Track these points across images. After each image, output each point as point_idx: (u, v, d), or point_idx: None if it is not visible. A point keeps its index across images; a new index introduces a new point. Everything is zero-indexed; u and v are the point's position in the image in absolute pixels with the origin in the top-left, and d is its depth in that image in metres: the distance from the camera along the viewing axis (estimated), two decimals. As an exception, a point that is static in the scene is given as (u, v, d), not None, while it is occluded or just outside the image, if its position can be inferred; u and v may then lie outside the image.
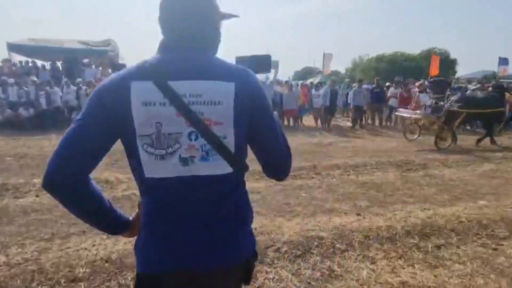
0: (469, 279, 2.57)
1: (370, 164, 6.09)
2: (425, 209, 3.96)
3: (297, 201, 4.21)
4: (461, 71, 56.26)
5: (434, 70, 18.57)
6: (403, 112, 9.37)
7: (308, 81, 19.87)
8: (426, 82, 13.17)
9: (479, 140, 8.31)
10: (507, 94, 9.45)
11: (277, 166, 1.14)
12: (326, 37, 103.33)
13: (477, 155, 7.13)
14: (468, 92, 10.13)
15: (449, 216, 3.64)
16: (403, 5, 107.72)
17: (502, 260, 2.84)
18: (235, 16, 1.18)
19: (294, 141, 8.73)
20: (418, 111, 8.83)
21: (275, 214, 3.80)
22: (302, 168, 5.72)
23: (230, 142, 0.96)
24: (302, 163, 6.12)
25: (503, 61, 23.51)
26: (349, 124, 12.30)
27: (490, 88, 9.60)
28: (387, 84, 13.46)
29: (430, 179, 5.24)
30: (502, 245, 3.09)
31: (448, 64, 50.95)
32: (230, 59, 1.12)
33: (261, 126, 1.03)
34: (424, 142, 8.42)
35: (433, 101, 9.01)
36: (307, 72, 44.60)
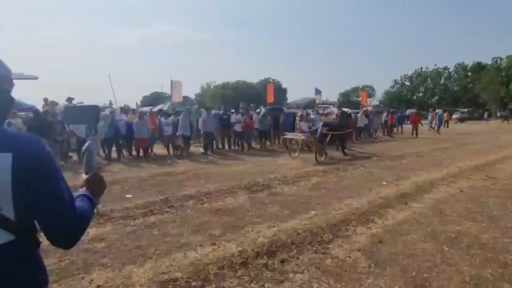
0: (307, 286, 2.94)
1: (222, 189, 6.33)
2: (270, 226, 4.37)
3: (149, 241, 3.88)
4: (291, 97, 67.99)
5: (270, 97, 21.57)
6: (290, 136, 11.64)
7: (157, 108, 19.36)
8: (263, 109, 15.00)
9: (344, 153, 11.43)
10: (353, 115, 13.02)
11: (61, 233, 1.09)
12: (175, 63, 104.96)
13: (307, 170, 8.54)
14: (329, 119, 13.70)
15: (289, 231, 4.13)
16: (243, 38, 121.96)
17: (329, 262, 3.39)
18: (34, 78, 1.12)
19: (145, 171, 8.25)
20: (301, 135, 11.26)
21: (124, 262, 3.37)
22: (154, 203, 5.38)
23: (8, 212, 0.96)
24: (154, 197, 5.78)
25: (318, 91, 29.84)
26: (202, 150, 12.60)
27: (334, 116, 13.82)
28: (232, 110, 14.64)
29: (274, 197, 5.88)
30: (329, 248, 3.71)
31: (281, 92, 60.73)
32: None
33: (43, 192, 1.02)
34: (267, 162, 9.50)
35: (310, 128, 11.80)
36: (155, 97, 43.60)
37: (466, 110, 41.68)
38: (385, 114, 22.17)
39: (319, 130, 10.79)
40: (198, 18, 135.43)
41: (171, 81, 17.27)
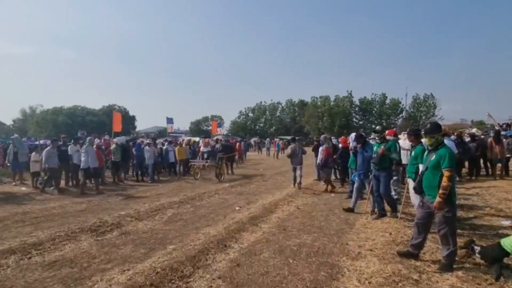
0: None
1: (58, 236, 5.26)
2: (124, 270, 3.91)
3: None
4: (140, 126, 64.70)
5: (117, 126, 19.84)
6: (195, 162, 13.95)
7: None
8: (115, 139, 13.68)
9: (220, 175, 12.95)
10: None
11: None
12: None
13: (161, 203, 8.18)
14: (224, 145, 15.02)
15: (147, 271, 3.81)
16: (80, 59, 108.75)
17: (192, 297, 3.30)
18: None
19: None
20: (206, 160, 13.45)
21: None
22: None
23: None
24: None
25: (170, 120, 29.70)
26: (25, 188, 10.21)
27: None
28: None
29: (126, 237, 5.31)
30: (190, 281, 3.61)
31: (129, 119, 56.89)
32: None
33: None
34: (116, 196, 8.53)
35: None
36: None
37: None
38: (242, 143, 24.48)
39: (217, 156, 13.00)
40: (19, 29, 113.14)
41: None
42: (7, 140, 15.31)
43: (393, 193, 7.30)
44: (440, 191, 3.65)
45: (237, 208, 7.59)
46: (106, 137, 16.94)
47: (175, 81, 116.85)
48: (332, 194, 9.26)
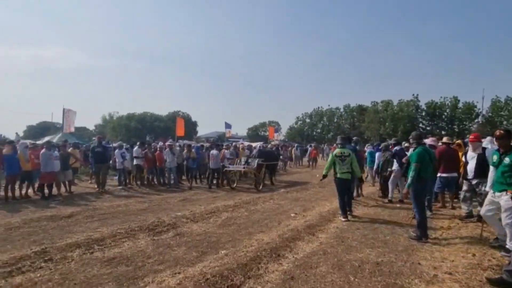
0: None
1: (119, 233, 5.48)
2: (176, 273, 3.84)
3: (8, 313, 2.92)
4: (201, 131, 67.89)
5: (180, 130, 20.92)
6: (231, 167, 12.17)
7: (45, 139, 16.79)
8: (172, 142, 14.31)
9: (271, 182, 13.22)
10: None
11: None
12: (70, 91, 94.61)
13: (216, 206, 8.19)
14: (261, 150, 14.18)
15: (197, 276, 3.67)
16: (151, 69, 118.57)
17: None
18: None
19: (18, 217, 6.67)
20: (243, 166, 12.07)
21: None
22: (23, 257, 4.26)
23: None
24: (25, 250, 4.60)
25: (228, 125, 30.51)
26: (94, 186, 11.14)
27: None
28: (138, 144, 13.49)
29: (180, 238, 5.32)
30: (240, 292, 3.38)
31: (191, 125, 60.03)
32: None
33: None
34: (173, 198, 8.79)
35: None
36: (44, 128, 38.05)
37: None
38: (294, 148, 24.10)
39: (255, 161, 11.99)
40: (100, 45, 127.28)
41: (64, 109, 15.33)
42: (89, 143, 17.05)
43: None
44: None
45: (292, 215, 7.24)
46: (170, 141, 17.90)
47: (234, 87, 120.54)
48: (398, 205, 8.39)
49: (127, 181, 11.78)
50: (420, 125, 52.32)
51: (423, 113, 52.62)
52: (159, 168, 12.09)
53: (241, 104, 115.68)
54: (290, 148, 24.06)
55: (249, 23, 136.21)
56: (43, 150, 9.36)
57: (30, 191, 9.59)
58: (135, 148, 11.94)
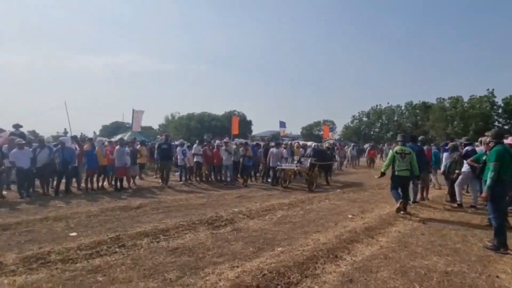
0: None
1: (182, 225, 5.83)
2: (234, 267, 3.97)
3: (90, 290, 3.30)
4: (256, 130, 68.92)
5: (235, 129, 21.53)
6: (284, 166, 11.86)
7: (117, 137, 18.46)
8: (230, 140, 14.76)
9: (327, 182, 12.98)
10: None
11: None
12: (138, 93, 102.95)
13: (272, 203, 8.27)
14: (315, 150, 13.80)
15: (254, 271, 3.76)
16: (209, 71, 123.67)
17: (298, 307, 3.06)
18: None
19: (96, 206, 7.47)
20: (296, 165, 11.72)
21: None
22: (101, 242, 4.76)
23: None
24: (102, 236, 5.14)
25: (282, 124, 30.53)
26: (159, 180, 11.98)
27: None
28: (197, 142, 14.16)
29: (238, 233, 5.48)
30: (297, 290, 3.38)
31: (246, 124, 61.30)
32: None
33: None
34: (230, 195, 9.08)
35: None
36: (116, 127, 41.93)
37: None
38: (350, 147, 23.29)
39: (308, 160, 11.68)
40: (165, 50, 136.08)
41: (133, 110, 16.74)
42: (154, 141, 18.42)
43: None
44: None
45: (349, 216, 7.01)
46: (226, 139, 18.51)
47: (288, 86, 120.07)
48: (469, 210, 7.63)
49: (188, 177, 12.47)
50: (496, 123, 46.70)
51: (500, 110, 46.95)
52: (216, 165, 12.60)
53: (295, 103, 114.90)
54: (345, 148, 23.28)
55: (303, 21, 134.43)
56: (117, 147, 10.35)
57: (105, 183, 10.67)
58: (195, 145, 12.58)
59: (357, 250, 4.66)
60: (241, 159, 12.72)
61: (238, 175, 13.47)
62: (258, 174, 14.05)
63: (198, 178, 12.62)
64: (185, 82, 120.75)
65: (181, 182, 11.95)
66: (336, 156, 19.01)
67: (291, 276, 3.68)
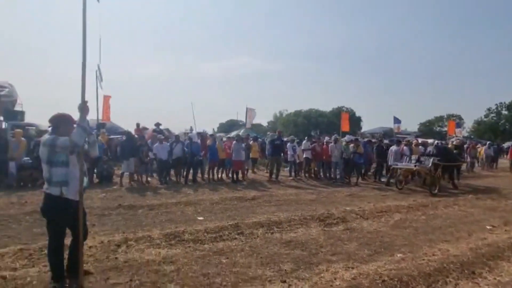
0: None
1: (293, 219, 5.96)
2: (349, 267, 3.84)
3: (217, 269, 3.70)
4: (365, 126, 64.87)
5: (345, 126, 20.71)
6: (400, 165, 10.71)
7: (233, 134, 20.12)
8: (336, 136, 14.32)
9: (454, 186, 11.19)
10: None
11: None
12: (249, 93, 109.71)
13: (387, 205, 7.65)
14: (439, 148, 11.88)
15: (372, 275, 3.55)
16: (316, 68, 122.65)
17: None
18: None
19: (217, 195, 8.35)
20: (414, 164, 10.34)
21: (189, 290, 3.23)
22: (224, 227, 5.28)
23: None
24: (224, 222, 5.70)
25: (397, 120, 27.90)
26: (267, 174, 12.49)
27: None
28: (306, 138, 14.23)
29: (351, 233, 5.28)
30: (423, 303, 3.04)
31: (354, 121, 58.34)
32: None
33: None
34: (340, 193, 8.82)
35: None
36: (231, 125, 45.84)
37: None
38: (486, 146, 19.57)
39: (430, 160, 10.17)
40: (273, 51, 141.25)
41: (247, 108, 17.91)
42: (264, 137, 19.47)
43: None
44: None
45: (488, 227, 5.91)
46: (335, 135, 18.03)
47: (404, 81, 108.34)
48: None
49: (297, 172, 12.67)
50: None
51: None
52: (326, 162, 12.41)
53: (411, 98, 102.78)
54: (479, 147, 19.63)
55: (411, 12, 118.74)
56: (235, 142, 11.31)
57: (223, 175, 11.79)
58: (304, 141, 12.67)
59: (501, 269, 3.90)
60: (351, 156, 12.17)
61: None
62: (369, 173, 13.21)
63: (307, 174, 12.69)
64: (292, 80, 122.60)
65: (291, 178, 12.22)
66: (467, 156, 16.23)
67: (416, 286, 3.33)
